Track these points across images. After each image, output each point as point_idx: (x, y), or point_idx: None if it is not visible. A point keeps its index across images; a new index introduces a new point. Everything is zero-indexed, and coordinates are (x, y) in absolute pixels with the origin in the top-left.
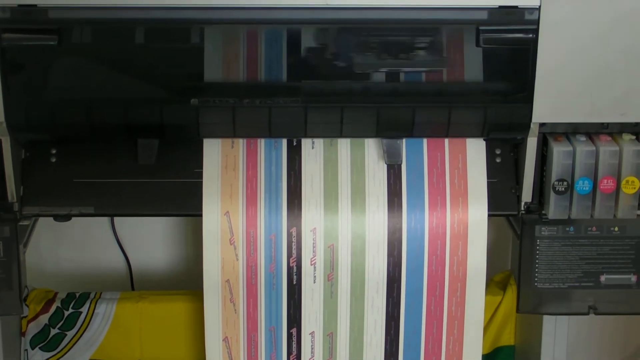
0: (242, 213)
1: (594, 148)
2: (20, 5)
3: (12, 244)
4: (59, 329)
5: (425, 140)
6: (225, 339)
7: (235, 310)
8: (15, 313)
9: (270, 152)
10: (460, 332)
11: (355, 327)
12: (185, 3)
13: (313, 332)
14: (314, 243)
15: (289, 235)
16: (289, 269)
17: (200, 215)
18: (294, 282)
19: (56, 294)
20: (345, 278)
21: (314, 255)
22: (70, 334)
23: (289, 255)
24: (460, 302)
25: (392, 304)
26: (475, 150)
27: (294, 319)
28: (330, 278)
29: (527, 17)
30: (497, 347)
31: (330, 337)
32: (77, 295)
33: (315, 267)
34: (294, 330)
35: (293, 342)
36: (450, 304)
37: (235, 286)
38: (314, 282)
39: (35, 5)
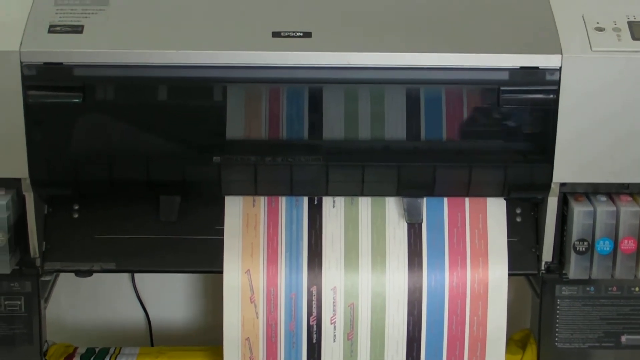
0: (262, 271)
1: (614, 208)
2: (46, 63)
3: (34, 299)
4: None
5: (445, 200)
6: None
7: None
8: None
9: (291, 211)
10: None
11: None
12: (208, 62)
13: None
14: (334, 302)
15: (309, 293)
16: (309, 327)
17: (221, 272)
18: (314, 341)
19: (76, 349)
20: (365, 337)
21: (334, 314)
22: None
23: (309, 314)
24: None
25: None
26: (496, 209)
27: None
28: (350, 337)
29: (548, 77)
30: None
31: None
32: (97, 350)
33: (335, 326)
34: None
35: None
36: None
37: (255, 344)
38: (334, 340)
39: (61, 64)
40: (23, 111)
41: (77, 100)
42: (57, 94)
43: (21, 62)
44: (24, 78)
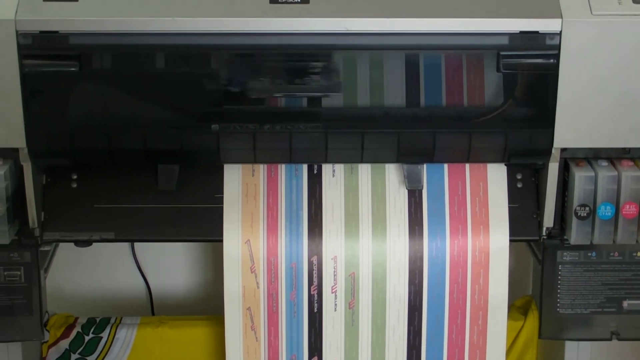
0: (262, 241)
1: (616, 173)
2: (41, 32)
3: (33, 270)
4: (79, 354)
5: (446, 166)
6: None
7: (256, 338)
8: (36, 338)
9: (290, 181)
10: None
11: (376, 356)
12: (205, 29)
13: None
14: (334, 271)
15: (310, 263)
16: (310, 297)
17: (221, 241)
18: (315, 310)
19: (76, 319)
20: (367, 306)
21: (335, 283)
22: (90, 359)
23: (310, 284)
24: (482, 330)
25: (414, 332)
26: (497, 175)
27: (315, 348)
28: (352, 306)
29: (548, 42)
30: None
31: None
32: (98, 320)
33: (336, 295)
34: (315, 359)
35: None
36: (472, 332)
37: (256, 314)
38: (335, 310)
39: (57, 32)
40: (19, 80)
41: (73, 69)
42: (53, 63)
43: (17, 31)
44: (20, 47)
